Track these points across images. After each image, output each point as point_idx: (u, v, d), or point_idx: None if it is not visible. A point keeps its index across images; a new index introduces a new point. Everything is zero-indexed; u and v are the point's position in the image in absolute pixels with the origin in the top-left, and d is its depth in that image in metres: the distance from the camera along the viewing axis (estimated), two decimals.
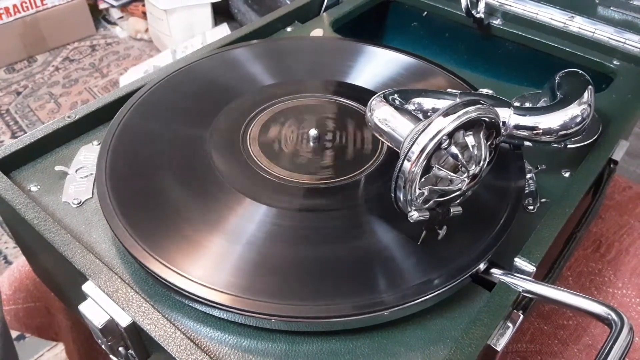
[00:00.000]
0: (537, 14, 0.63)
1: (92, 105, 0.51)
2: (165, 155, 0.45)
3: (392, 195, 0.34)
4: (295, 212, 0.41)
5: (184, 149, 0.46)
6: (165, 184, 0.43)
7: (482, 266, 0.38)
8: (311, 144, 0.46)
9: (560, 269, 0.44)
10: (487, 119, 0.33)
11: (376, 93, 0.42)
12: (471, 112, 0.32)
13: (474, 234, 0.39)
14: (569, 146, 0.49)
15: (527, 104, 0.52)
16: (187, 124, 0.48)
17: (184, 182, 0.43)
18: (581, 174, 0.45)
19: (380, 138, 0.39)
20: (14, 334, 1.02)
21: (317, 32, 0.63)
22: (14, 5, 1.80)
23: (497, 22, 0.65)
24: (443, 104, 0.42)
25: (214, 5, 1.90)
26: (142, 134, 0.47)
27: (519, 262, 0.38)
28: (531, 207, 0.44)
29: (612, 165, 0.49)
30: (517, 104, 0.50)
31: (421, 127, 0.32)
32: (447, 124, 0.31)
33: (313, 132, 0.46)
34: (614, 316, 0.33)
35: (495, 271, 0.38)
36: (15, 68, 1.93)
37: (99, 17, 2.16)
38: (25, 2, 1.82)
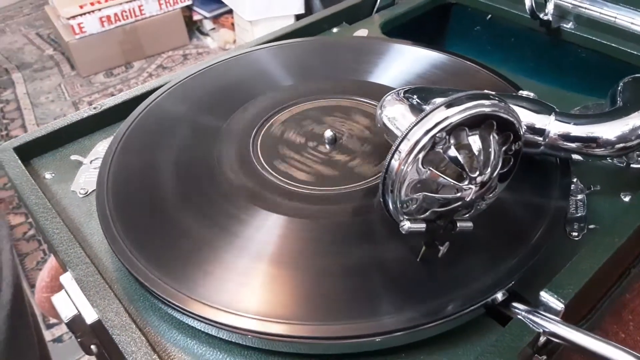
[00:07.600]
0: (615, 17, 0.55)
1: (119, 97, 0.51)
2: (163, 156, 0.43)
3: (381, 199, 0.29)
4: (292, 218, 0.37)
5: (187, 150, 0.44)
6: (160, 184, 0.41)
7: (499, 296, 0.32)
8: (327, 146, 0.42)
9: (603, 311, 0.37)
10: (497, 118, 0.27)
11: None
12: (474, 108, 0.26)
13: (495, 257, 0.33)
14: (632, 165, 0.41)
15: None
16: (198, 123, 0.46)
17: (178, 184, 0.41)
18: None
19: (387, 138, 0.34)
20: (53, 334, 1.01)
21: (361, 33, 0.59)
22: (115, 14, 1.92)
23: (568, 25, 0.58)
24: None
25: (297, 17, 1.91)
26: (151, 135, 0.45)
27: (545, 296, 0.32)
28: (575, 234, 0.37)
29: None
30: None
31: (414, 122, 0.27)
32: (441, 119, 0.26)
33: (328, 133, 0.42)
34: None
35: (516, 305, 0.32)
36: (114, 73, 2.05)
37: (193, 28, 2.26)
38: (126, 11, 1.94)
